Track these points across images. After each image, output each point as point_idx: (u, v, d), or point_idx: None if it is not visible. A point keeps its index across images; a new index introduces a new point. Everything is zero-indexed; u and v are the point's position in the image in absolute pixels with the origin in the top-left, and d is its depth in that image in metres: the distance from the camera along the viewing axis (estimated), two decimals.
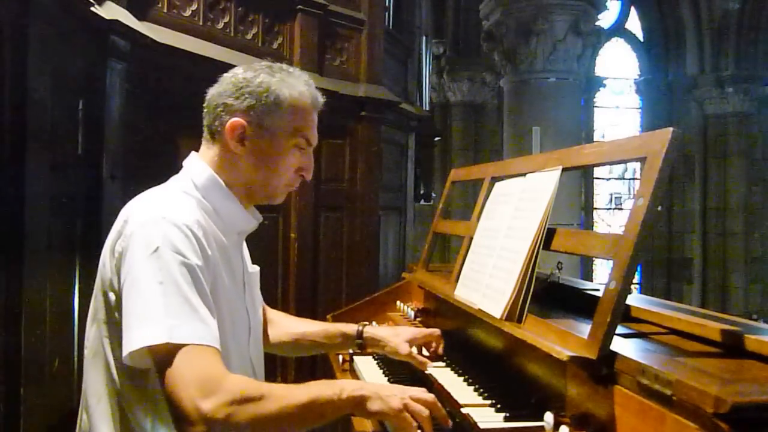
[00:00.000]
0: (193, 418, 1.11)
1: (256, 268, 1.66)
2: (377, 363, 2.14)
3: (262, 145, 1.43)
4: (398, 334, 1.86)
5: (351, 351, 2.06)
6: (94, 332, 1.37)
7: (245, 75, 1.45)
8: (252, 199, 1.51)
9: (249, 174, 1.45)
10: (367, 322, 1.96)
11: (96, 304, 1.38)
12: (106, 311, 1.34)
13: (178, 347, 1.16)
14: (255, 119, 1.42)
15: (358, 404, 1.25)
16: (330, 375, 2.28)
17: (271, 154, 1.44)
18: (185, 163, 1.49)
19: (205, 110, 1.48)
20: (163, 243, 1.23)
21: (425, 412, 1.28)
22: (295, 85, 1.46)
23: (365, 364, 2.13)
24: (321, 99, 1.52)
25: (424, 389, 1.35)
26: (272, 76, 1.44)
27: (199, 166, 1.45)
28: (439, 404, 1.33)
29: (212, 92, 1.47)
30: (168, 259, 1.22)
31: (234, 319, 1.44)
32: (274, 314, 1.90)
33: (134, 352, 1.18)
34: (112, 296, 1.31)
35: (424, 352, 1.91)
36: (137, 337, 1.18)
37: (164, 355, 1.17)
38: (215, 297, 1.32)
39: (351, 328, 1.87)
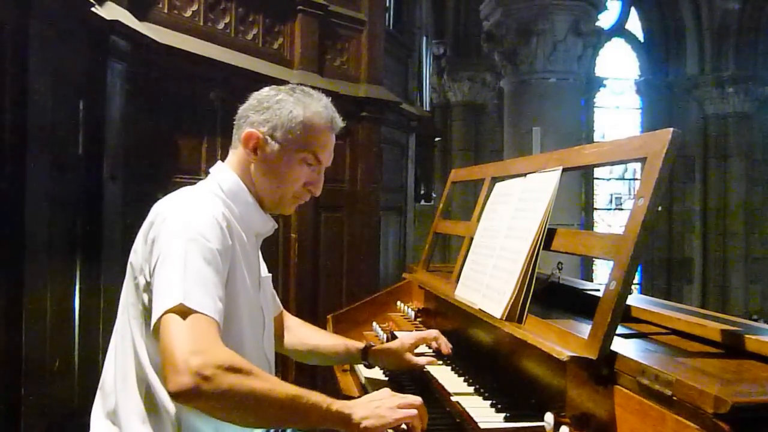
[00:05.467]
0: (180, 368, 1.17)
1: (269, 275, 1.76)
2: None
3: (271, 156, 1.54)
4: (401, 347, 1.92)
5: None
6: (124, 317, 1.46)
7: (268, 92, 1.59)
8: (263, 206, 1.60)
9: (259, 182, 1.56)
10: (373, 343, 2.00)
11: (126, 290, 1.47)
12: (135, 295, 1.42)
13: (187, 311, 1.24)
14: (268, 131, 1.53)
15: (346, 421, 1.29)
16: (330, 375, 2.29)
17: (279, 165, 1.55)
18: (212, 169, 1.60)
19: (234, 122, 1.61)
20: (188, 226, 1.35)
21: (414, 412, 1.32)
22: (311, 104, 1.56)
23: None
24: (339, 122, 1.62)
25: (411, 396, 1.39)
26: (291, 95, 1.57)
27: (225, 171, 1.57)
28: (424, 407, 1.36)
29: (242, 106, 1.61)
30: (191, 238, 1.33)
31: (250, 311, 1.53)
32: (292, 321, 1.99)
33: (157, 324, 1.25)
34: (141, 280, 1.40)
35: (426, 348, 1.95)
36: (159, 307, 1.26)
37: (173, 315, 1.24)
38: (233, 286, 1.41)
39: (357, 347, 1.95)
